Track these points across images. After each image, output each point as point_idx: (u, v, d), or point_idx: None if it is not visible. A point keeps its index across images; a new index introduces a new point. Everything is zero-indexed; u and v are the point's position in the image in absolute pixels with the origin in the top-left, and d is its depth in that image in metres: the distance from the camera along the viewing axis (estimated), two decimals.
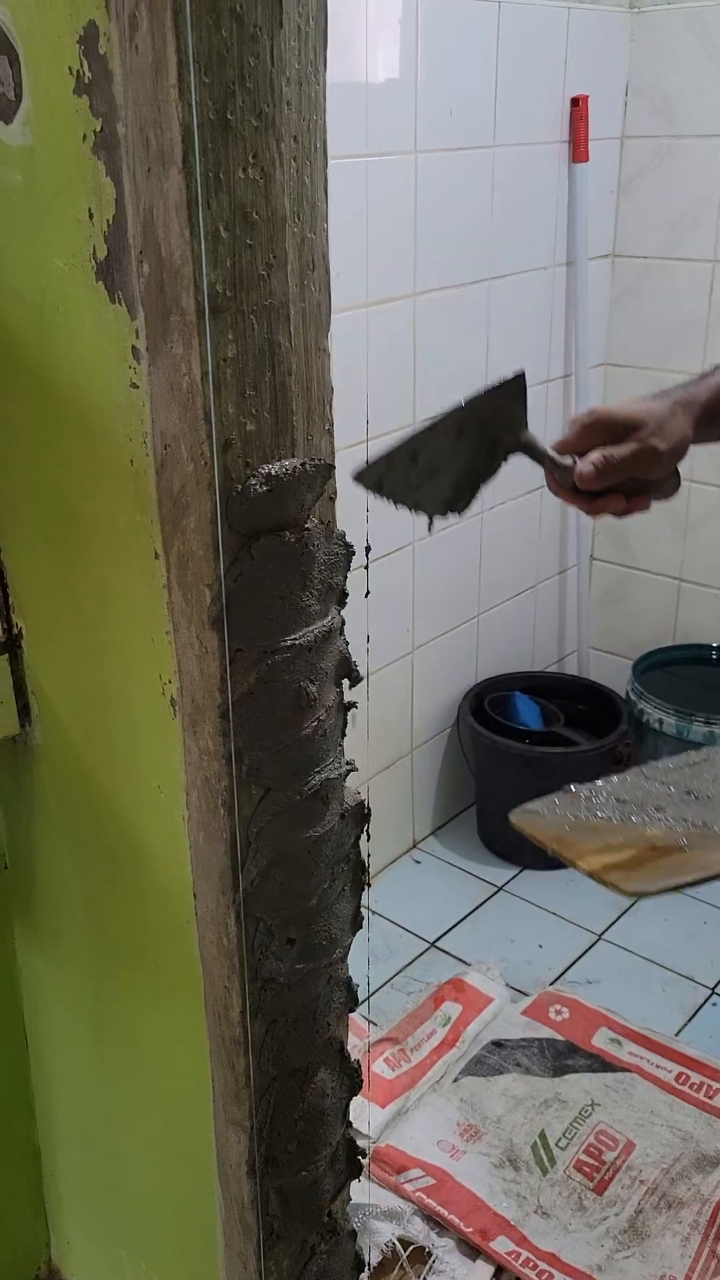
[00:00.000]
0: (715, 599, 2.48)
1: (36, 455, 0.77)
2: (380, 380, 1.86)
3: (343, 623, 0.77)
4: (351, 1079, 0.94)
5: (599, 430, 0.88)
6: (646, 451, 0.86)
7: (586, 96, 2.09)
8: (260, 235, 0.63)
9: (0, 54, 0.64)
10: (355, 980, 0.89)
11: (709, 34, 2.09)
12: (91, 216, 0.64)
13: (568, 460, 0.89)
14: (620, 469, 0.87)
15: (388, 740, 2.19)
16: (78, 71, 0.61)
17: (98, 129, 0.61)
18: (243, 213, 0.62)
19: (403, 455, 0.85)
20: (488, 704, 2.33)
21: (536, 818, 0.84)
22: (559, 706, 2.39)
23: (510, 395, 0.84)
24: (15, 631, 0.86)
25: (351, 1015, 0.90)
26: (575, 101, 2.09)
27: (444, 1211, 1.38)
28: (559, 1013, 1.76)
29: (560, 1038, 1.71)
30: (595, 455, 0.87)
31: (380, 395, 1.87)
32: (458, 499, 0.88)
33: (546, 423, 2.36)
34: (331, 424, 0.74)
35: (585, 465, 0.86)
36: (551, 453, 0.89)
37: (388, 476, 0.84)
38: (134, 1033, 0.93)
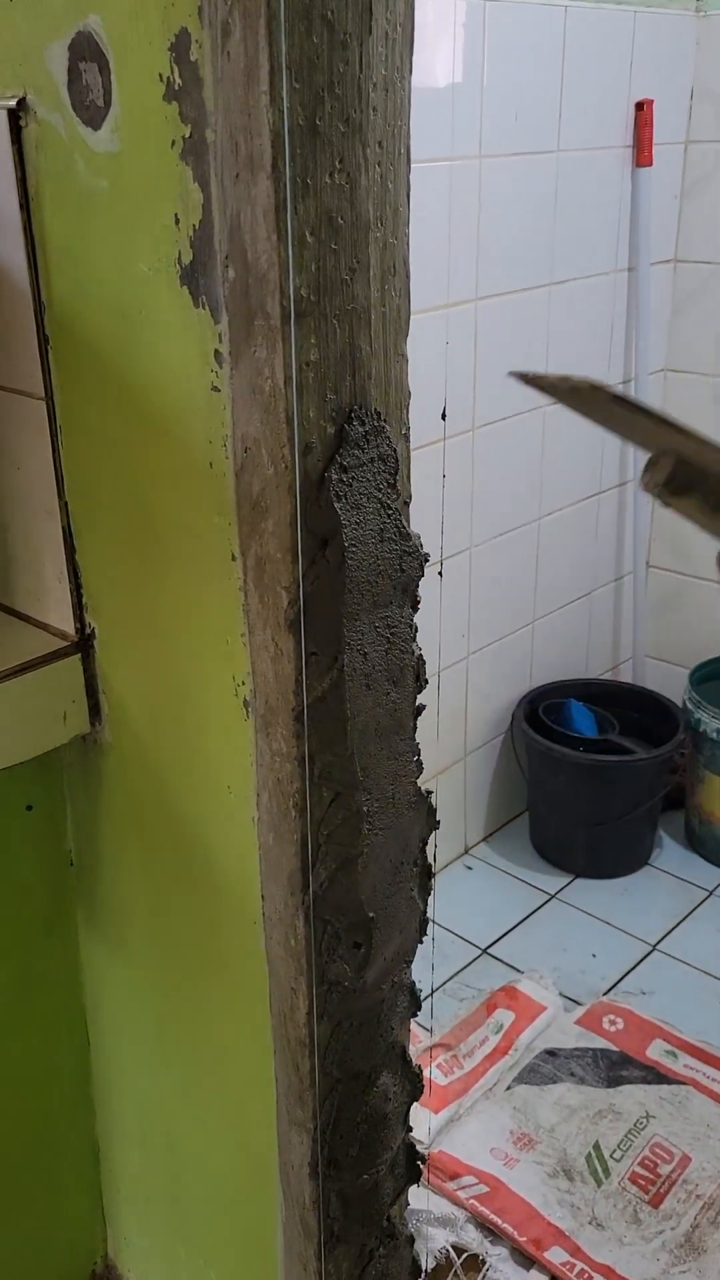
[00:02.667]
0: None
1: (114, 457, 0.78)
2: (440, 384, 1.86)
3: (415, 628, 0.77)
4: (413, 1084, 0.94)
5: None
6: None
7: (651, 101, 2.08)
8: (344, 240, 0.64)
9: (90, 61, 0.65)
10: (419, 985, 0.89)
11: None
12: (177, 222, 0.65)
13: None
14: None
15: (442, 745, 2.19)
16: (168, 78, 0.61)
17: (186, 135, 0.62)
18: (328, 218, 0.62)
19: None
20: (542, 710, 2.31)
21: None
22: (614, 714, 2.37)
23: None
24: (88, 631, 0.87)
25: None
26: (640, 106, 2.08)
27: (498, 1220, 1.37)
28: (613, 1023, 1.75)
29: (614, 1048, 1.70)
30: None
31: (440, 399, 1.87)
32: None
33: (606, 433, 2.35)
34: (408, 428, 0.74)
35: None
36: None
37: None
38: (197, 1031, 0.94)
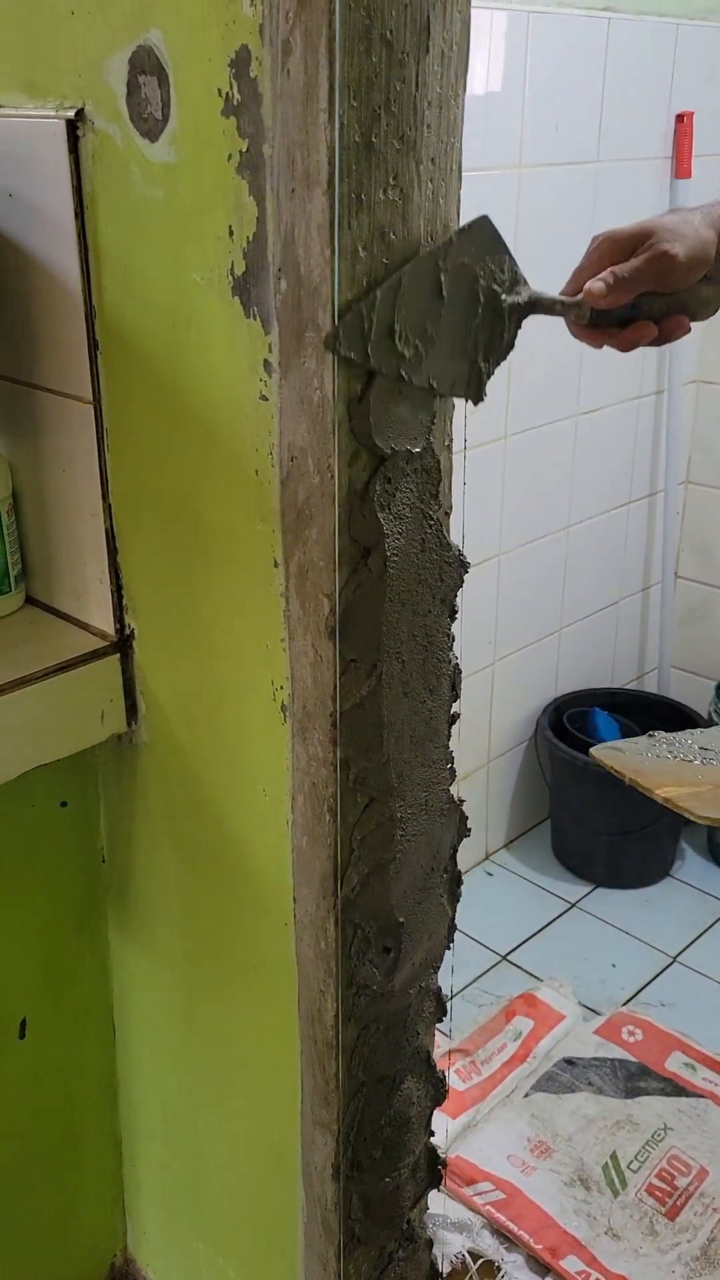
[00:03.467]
0: None
1: (160, 462, 0.79)
2: None
3: (453, 637, 0.78)
4: (436, 1089, 0.95)
5: (608, 250, 0.80)
6: (658, 258, 0.76)
7: (691, 113, 2.08)
8: (396, 255, 0.64)
9: (150, 75, 0.66)
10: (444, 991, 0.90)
11: None
12: (231, 233, 0.66)
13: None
14: (633, 281, 0.77)
15: (466, 751, 2.19)
16: (227, 94, 0.62)
17: (244, 149, 0.63)
18: (381, 233, 0.63)
19: (380, 322, 0.65)
20: (567, 719, 2.32)
21: (617, 753, 0.83)
22: (639, 725, 2.37)
23: (483, 242, 0.70)
24: (128, 632, 0.89)
25: None
26: (680, 117, 2.08)
27: (514, 1227, 1.37)
28: (632, 1034, 1.75)
29: (633, 1059, 1.70)
30: (604, 273, 0.78)
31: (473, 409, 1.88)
32: (471, 377, 0.69)
33: (637, 436, 2.35)
34: (451, 439, 0.75)
35: (594, 283, 0.77)
36: (562, 297, 0.80)
37: (374, 347, 0.65)
38: (224, 1029, 0.95)
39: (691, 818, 0.66)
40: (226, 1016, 0.94)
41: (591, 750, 0.78)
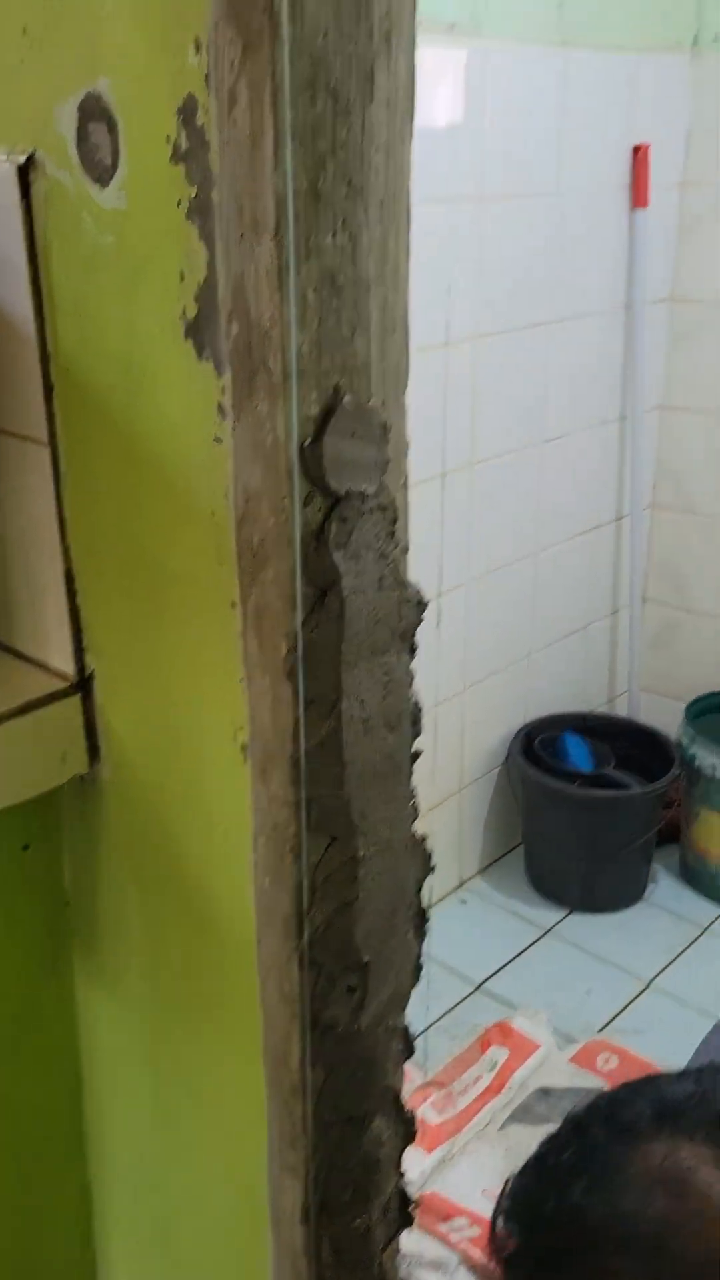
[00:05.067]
0: None
1: (116, 503, 0.79)
2: (439, 421, 1.88)
3: (413, 674, 0.78)
4: (406, 1128, 0.94)
5: None
6: None
7: (648, 145, 2.11)
8: (345, 299, 0.65)
9: (99, 122, 0.67)
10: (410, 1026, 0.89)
11: None
12: (183, 278, 0.66)
13: None
14: None
15: (439, 778, 2.19)
16: (175, 141, 0.63)
17: (192, 195, 0.63)
18: (330, 277, 0.63)
19: None
20: (538, 744, 2.32)
21: None
22: (610, 748, 2.38)
23: None
24: (88, 673, 0.88)
25: None
26: (637, 149, 2.11)
27: (490, 1263, 1.36)
28: (607, 1061, 1.74)
29: (609, 1087, 1.69)
30: None
31: (439, 436, 1.89)
32: None
33: (603, 461, 2.37)
34: (407, 478, 0.75)
35: None
36: None
37: None
38: (191, 1073, 0.94)
39: None
40: (193, 1060, 0.93)
41: None
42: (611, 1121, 0.64)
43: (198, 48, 0.59)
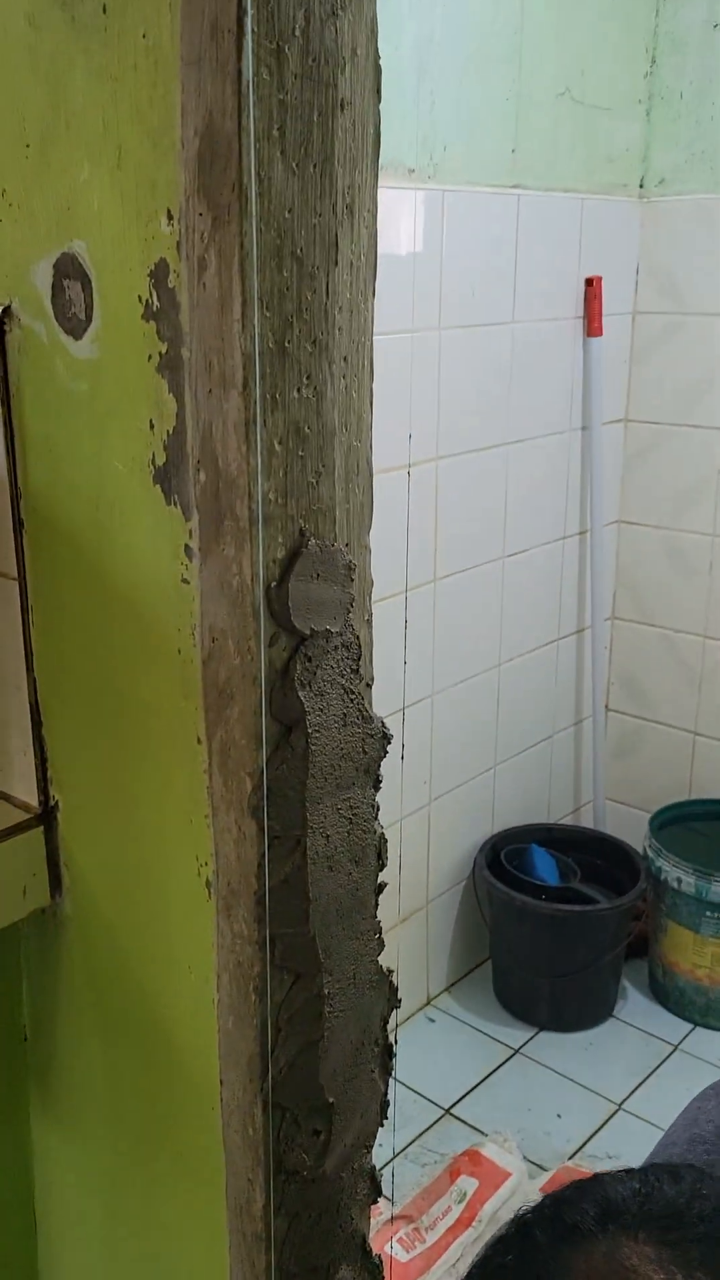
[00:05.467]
0: None
1: (83, 637, 0.80)
2: (401, 539, 1.92)
3: (377, 807, 0.79)
4: (373, 1275, 0.91)
5: None
6: None
7: (600, 277, 2.21)
8: (311, 447, 0.67)
9: (74, 279, 0.70)
10: (376, 1163, 0.87)
11: (713, 220, 2.22)
12: (152, 427, 0.68)
13: None
14: None
15: (405, 893, 2.17)
16: (147, 300, 0.65)
17: (163, 351, 0.66)
18: (296, 428, 0.66)
19: None
20: (504, 856, 2.31)
21: None
22: (576, 860, 2.37)
23: None
24: (51, 804, 0.88)
25: None
26: (589, 281, 2.21)
27: None
28: None
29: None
30: None
31: (402, 553, 1.92)
32: None
33: (563, 576, 2.41)
34: (371, 614, 0.77)
35: None
36: None
37: None
38: (150, 1221, 0.90)
39: None
40: (153, 1206, 0.90)
41: None
42: (556, 1222, 0.63)
43: (170, 217, 0.62)
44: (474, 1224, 1.62)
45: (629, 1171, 0.67)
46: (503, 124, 1.94)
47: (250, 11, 0.55)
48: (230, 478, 0.65)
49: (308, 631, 0.69)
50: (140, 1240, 0.92)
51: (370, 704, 0.78)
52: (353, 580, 0.73)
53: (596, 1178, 0.65)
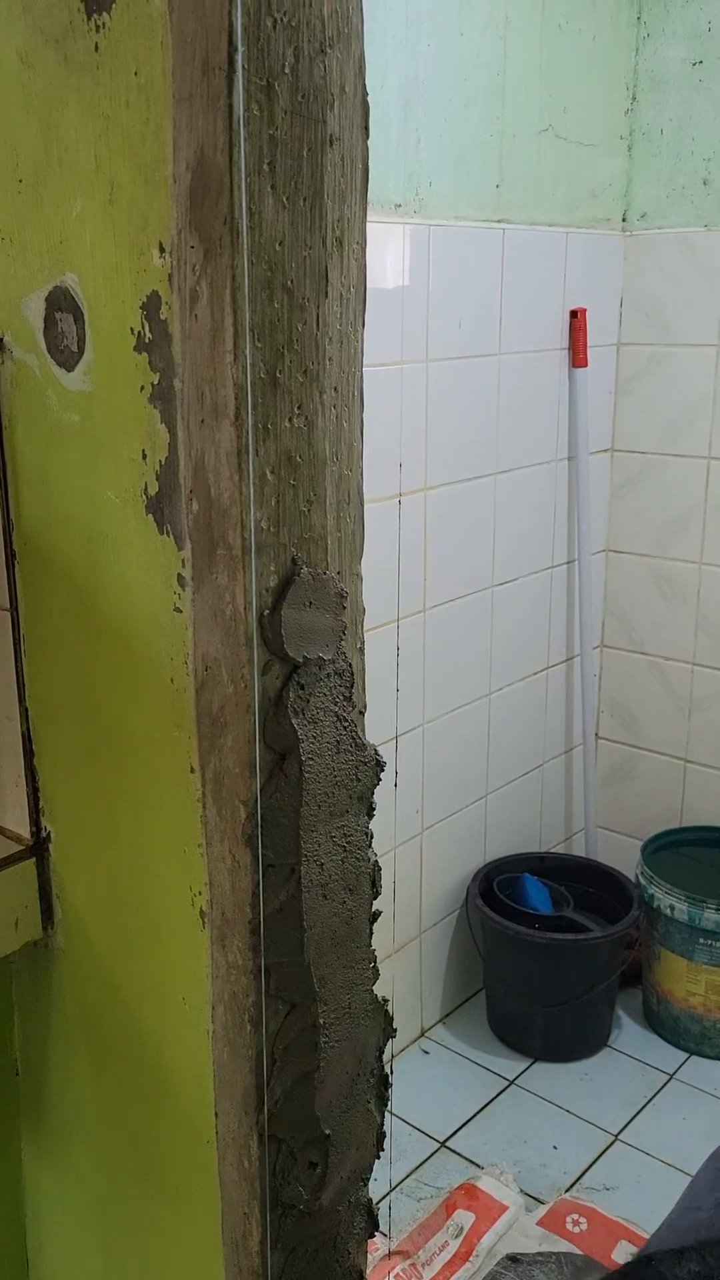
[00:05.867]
0: None
1: (76, 668, 0.80)
2: (392, 569, 1.93)
3: (371, 835, 0.78)
4: None
5: None
6: None
7: (585, 309, 2.23)
8: (302, 476, 0.68)
9: (66, 312, 0.70)
10: (372, 1194, 0.86)
11: (695, 253, 2.25)
12: (145, 457, 0.69)
13: None
14: None
15: (397, 924, 2.16)
16: (139, 332, 0.66)
17: (155, 382, 0.66)
18: (287, 457, 0.66)
19: None
20: (497, 886, 2.30)
21: None
22: (568, 888, 2.37)
23: None
24: (44, 835, 0.87)
25: None
26: (574, 313, 2.23)
27: None
28: (576, 1223, 1.68)
29: (579, 1252, 1.63)
30: None
31: (392, 583, 1.93)
32: None
33: (552, 604, 2.42)
34: (363, 642, 0.77)
35: None
36: None
37: None
38: (145, 1257, 0.89)
39: None
40: (147, 1243, 0.89)
41: None
42: None
43: (161, 250, 0.63)
44: (471, 1258, 1.60)
45: (680, 1253, 0.65)
46: (487, 160, 1.97)
47: (241, 49, 0.56)
48: (223, 507, 0.65)
49: (300, 659, 0.70)
50: (134, 1276, 0.91)
51: (363, 731, 0.78)
52: (345, 608, 0.73)
53: (649, 1261, 0.63)
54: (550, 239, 2.16)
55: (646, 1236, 1.65)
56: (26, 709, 0.85)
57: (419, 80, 1.79)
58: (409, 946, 2.21)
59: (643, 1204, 1.76)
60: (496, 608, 2.26)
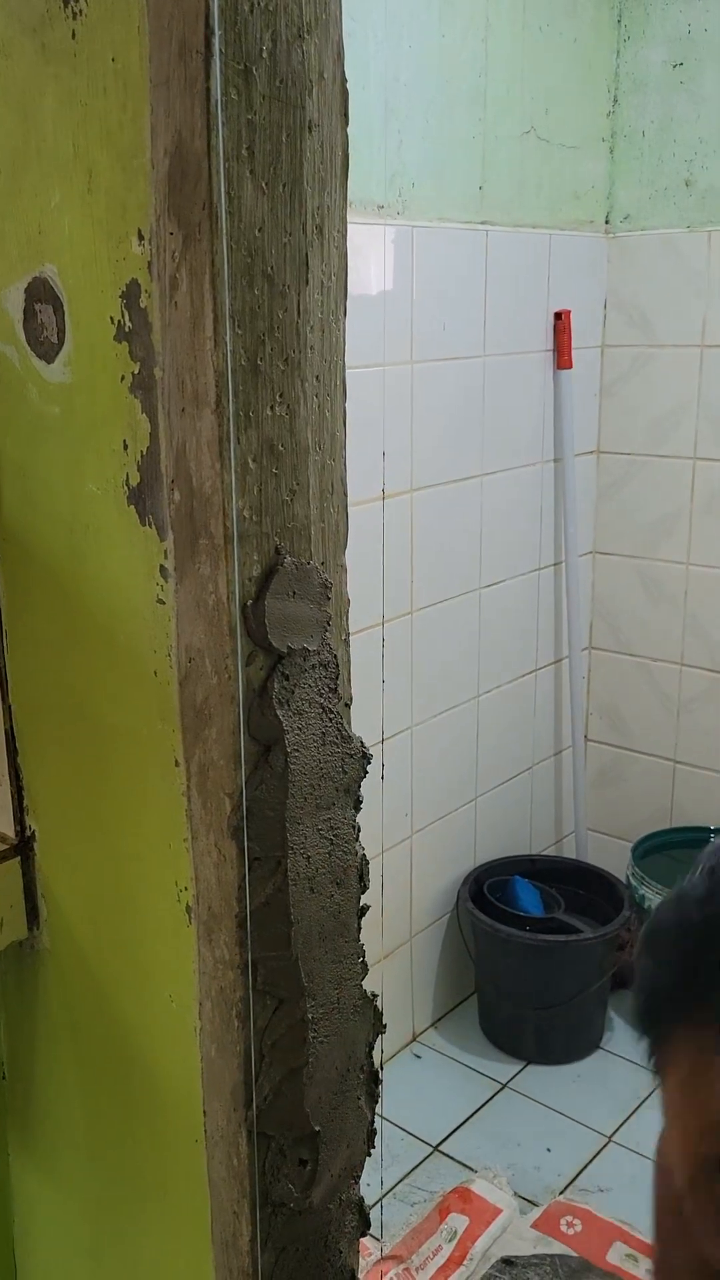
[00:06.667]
0: (710, 781, 2.49)
1: (59, 662, 0.79)
2: (378, 571, 1.92)
3: (358, 828, 0.78)
4: None
5: None
6: None
7: (569, 311, 2.24)
8: (285, 465, 0.67)
9: (45, 303, 0.70)
10: (364, 1198, 0.85)
11: (678, 255, 2.26)
12: (126, 447, 0.68)
13: None
14: None
15: (388, 928, 2.15)
16: (119, 321, 0.66)
17: (135, 371, 0.66)
18: (269, 446, 0.66)
19: None
20: (487, 889, 2.30)
21: None
22: (559, 891, 2.36)
23: None
24: (28, 834, 0.86)
25: None
26: (558, 315, 2.24)
27: None
28: (571, 1225, 1.67)
29: (574, 1254, 1.62)
30: None
31: (378, 585, 1.93)
32: None
33: (540, 606, 2.42)
34: (348, 634, 0.77)
35: None
36: None
37: None
38: (134, 1258, 0.88)
39: None
40: (136, 1244, 0.88)
41: None
42: None
43: (140, 238, 0.63)
44: (465, 1262, 1.59)
45: None
46: (470, 162, 1.97)
47: (218, 33, 0.56)
48: (205, 496, 0.65)
49: (285, 650, 0.69)
50: (123, 1277, 0.90)
51: (349, 723, 0.77)
52: (329, 598, 0.73)
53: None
54: (534, 241, 2.17)
55: (641, 1238, 1.64)
56: (10, 706, 0.84)
57: (401, 82, 1.79)
58: (399, 950, 2.21)
59: (637, 1205, 1.75)
60: (484, 610, 2.26)
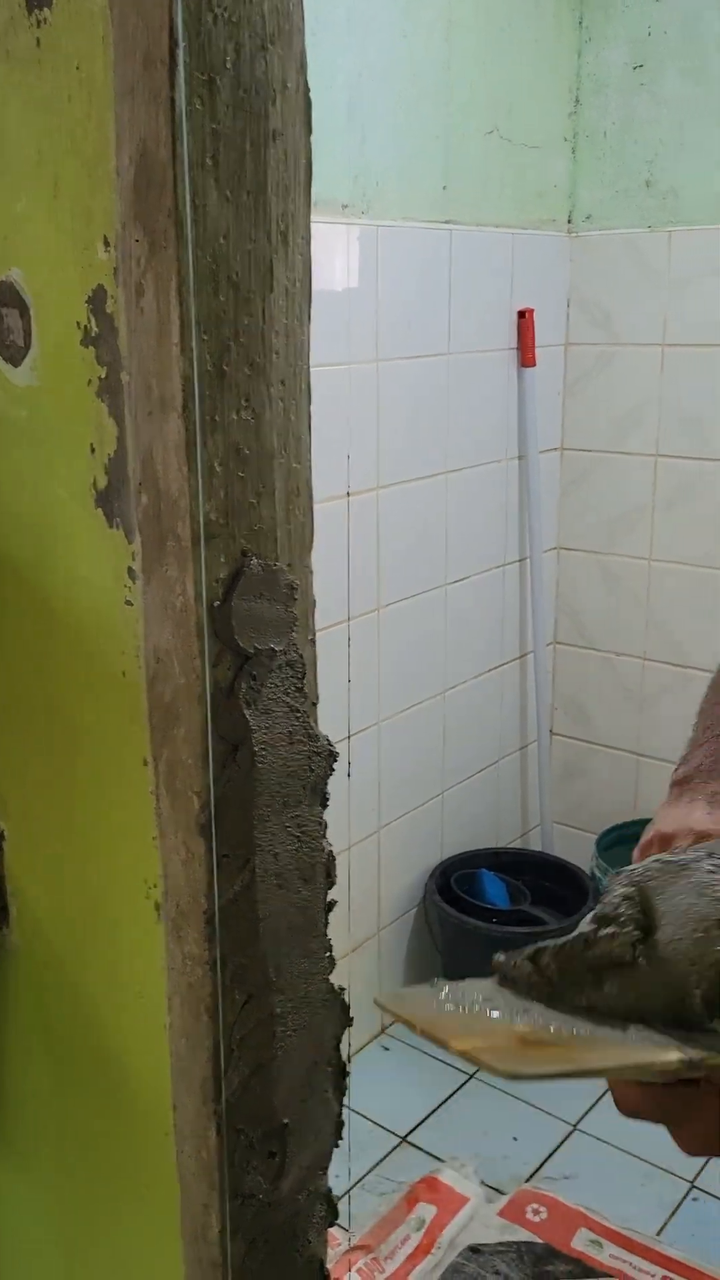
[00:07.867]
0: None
1: (28, 663, 0.80)
2: (343, 569, 1.94)
3: (325, 825, 0.79)
4: None
5: None
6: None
7: (532, 310, 2.26)
8: (251, 469, 0.68)
9: (11, 307, 0.70)
10: (333, 1189, 0.87)
11: (640, 255, 2.29)
12: (93, 451, 0.69)
13: None
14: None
15: (355, 921, 2.17)
16: (85, 326, 0.66)
17: (102, 376, 0.67)
18: (235, 449, 0.67)
19: None
20: (454, 882, 2.32)
21: (404, 1001, 0.80)
22: (525, 883, 2.39)
23: None
24: None
25: None
26: (521, 313, 2.26)
27: None
28: (536, 1212, 1.70)
29: (539, 1240, 1.64)
30: None
31: (344, 583, 1.94)
32: None
33: (504, 602, 2.44)
34: (314, 634, 0.78)
35: None
36: None
37: None
38: (106, 1253, 0.89)
39: (492, 1073, 0.65)
40: (108, 1238, 0.89)
41: (376, 998, 0.77)
42: None
43: (106, 244, 0.63)
44: (433, 1250, 1.61)
45: None
46: (434, 161, 1.98)
47: (182, 43, 0.56)
48: (171, 499, 0.66)
49: (251, 650, 0.70)
50: (97, 1272, 0.90)
51: (316, 722, 0.78)
52: (295, 599, 0.74)
53: None
54: (497, 240, 2.18)
55: (607, 1224, 1.67)
56: None
57: (364, 81, 1.80)
58: (367, 944, 2.22)
59: (601, 1191, 1.78)
60: (450, 606, 2.28)
